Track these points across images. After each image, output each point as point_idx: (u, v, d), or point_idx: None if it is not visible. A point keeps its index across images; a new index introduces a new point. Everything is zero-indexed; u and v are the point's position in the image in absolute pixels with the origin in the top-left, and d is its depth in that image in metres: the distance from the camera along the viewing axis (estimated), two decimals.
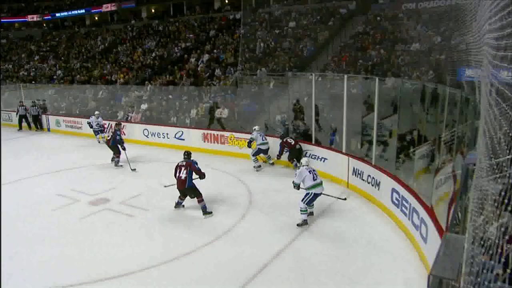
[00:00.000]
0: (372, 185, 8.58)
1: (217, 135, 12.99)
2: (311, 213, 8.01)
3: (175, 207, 8.53)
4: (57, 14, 44.08)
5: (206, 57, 22.68)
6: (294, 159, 10.99)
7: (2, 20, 46.89)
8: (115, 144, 11.76)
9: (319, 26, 22.15)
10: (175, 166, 8.30)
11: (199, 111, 15.26)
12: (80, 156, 13.71)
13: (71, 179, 11.16)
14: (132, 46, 29.92)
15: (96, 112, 15.70)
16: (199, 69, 21.63)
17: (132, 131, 15.31)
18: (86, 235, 7.51)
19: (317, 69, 18.40)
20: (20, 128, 19.22)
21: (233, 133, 12.68)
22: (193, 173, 8.16)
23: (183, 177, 8.05)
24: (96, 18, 42.20)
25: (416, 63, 15.90)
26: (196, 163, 8.30)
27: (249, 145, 11.80)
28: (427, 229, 5.81)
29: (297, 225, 7.58)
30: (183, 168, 8.12)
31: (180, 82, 20.39)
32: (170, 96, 17.73)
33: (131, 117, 16.79)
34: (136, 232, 7.65)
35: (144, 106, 17.01)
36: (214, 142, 13.02)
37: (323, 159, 10.51)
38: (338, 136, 10.79)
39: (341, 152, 9.98)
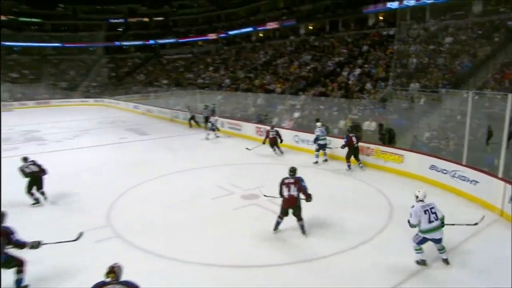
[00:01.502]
0: None
1: (363, 147, 12.34)
2: (424, 262, 6.11)
3: (274, 229, 7.31)
4: (230, 32, 47.65)
5: (357, 71, 22.01)
6: (349, 160, 11.59)
7: (191, 39, 52.65)
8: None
9: (480, 41, 19.67)
10: (280, 183, 7.26)
11: (347, 122, 14.75)
12: (238, 154, 14.34)
13: (229, 174, 11.74)
14: (290, 59, 30.66)
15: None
16: (350, 82, 21.09)
17: (284, 136, 15.50)
18: (237, 224, 7.85)
19: (474, 87, 16.33)
20: (191, 126, 21.23)
21: (379, 146, 11.91)
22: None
23: (295, 195, 7.06)
24: (261, 34, 44.40)
25: None
26: (303, 181, 7.35)
27: (315, 142, 12.59)
28: None
29: (415, 262, 6.10)
30: (292, 186, 7.09)
31: (331, 94, 20.12)
32: (321, 107, 17.58)
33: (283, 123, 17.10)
34: (280, 227, 7.60)
35: (296, 114, 17.14)
36: (360, 153, 12.41)
37: (473, 182, 9.15)
38: (496, 159, 9.30)
39: (496, 176, 8.54)
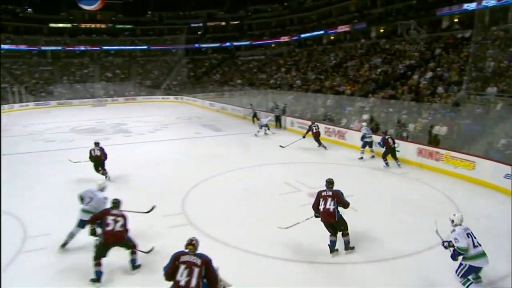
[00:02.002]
0: None
1: (433, 151, 11.84)
2: (478, 278, 5.35)
3: (331, 252, 6.45)
4: (302, 35, 47.45)
5: (429, 74, 20.96)
6: (386, 158, 12.03)
7: (264, 41, 53.32)
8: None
9: None
10: (317, 195, 6.68)
11: (417, 126, 14.21)
12: (305, 153, 14.42)
13: (297, 171, 11.87)
14: (360, 62, 29.95)
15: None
16: (421, 85, 20.17)
17: (351, 138, 15.32)
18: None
19: None
20: (253, 122, 21.83)
21: (449, 152, 11.35)
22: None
23: (331, 209, 6.33)
24: (332, 37, 43.72)
25: None
26: (343, 194, 6.61)
27: (362, 139, 13.16)
28: None
29: None
30: (329, 199, 6.43)
31: (401, 97, 19.42)
32: (390, 109, 17.07)
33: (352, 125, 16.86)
34: None
35: (365, 116, 16.81)
36: (428, 158, 11.94)
37: None
38: None
39: None
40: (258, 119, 21.38)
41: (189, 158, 14.07)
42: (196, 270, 4.32)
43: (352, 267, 6.16)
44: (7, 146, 16.78)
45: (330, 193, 6.51)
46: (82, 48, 54.51)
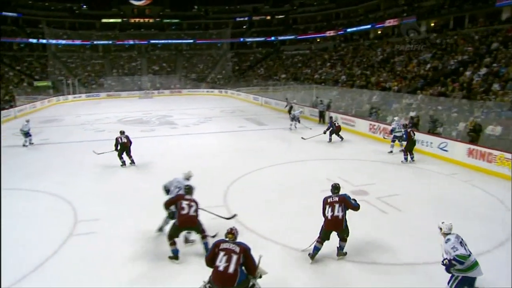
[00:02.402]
0: None
1: (485, 152, 11.21)
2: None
3: (312, 258, 6.11)
4: (348, 29, 46.53)
5: (483, 70, 19.87)
6: (408, 153, 12.12)
7: (309, 35, 52.85)
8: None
9: None
10: (323, 202, 6.26)
11: (468, 125, 13.53)
12: (351, 150, 14.16)
13: (340, 168, 11.71)
14: (408, 57, 28.92)
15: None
16: (474, 82, 19.17)
17: None
18: None
19: None
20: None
21: (504, 153, 10.69)
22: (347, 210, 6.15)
23: (340, 216, 5.99)
24: (379, 32, 42.51)
25: None
26: (350, 198, 6.28)
27: (391, 133, 13.49)
28: None
29: None
30: (337, 205, 6.06)
31: (452, 94, 18.56)
32: (439, 107, 16.37)
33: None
34: (384, 225, 7.49)
35: (412, 114, 16.24)
36: (479, 159, 11.32)
37: None
38: None
39: None
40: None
41: (232, 152, 14.22)
42: (234, 257, 4.52)
43: (392, 268, 6.00)
44: (61, 135, 17.80)
45: (337, 198, 6.17)
46: (131, 42, 56.53)
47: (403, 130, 12.59)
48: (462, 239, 4.80)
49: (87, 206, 8.63)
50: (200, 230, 6.25)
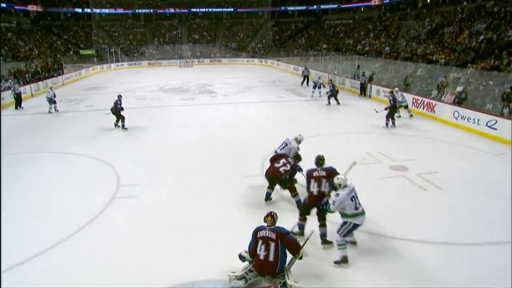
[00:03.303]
0: None
1: None
2: (354, 243, 5.71)
3: (301, 233, 5.91)
4: None
5: None
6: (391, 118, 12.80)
7: (353, 4, 50.82)
8: None
9: None
10: (307, 175, 5.95)
11: None
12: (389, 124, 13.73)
13: (380, 142, 11.48)
14: (459, 28, 27.22)
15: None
16: None
17: (442, 111, 14.25)
18: (381, 194, 7.69)
19: None
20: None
21: None
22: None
23: (327, 192, 5.72)
24: (428, 0, 40.15)
25: None
26: (336, 170, 5.88)
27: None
28: None
29: (334, 262, 5.24)
30: (324, 180, 5.74)
31: (506, 69, 17.41)
32: (491, 82, 15.45)
33: (444, 97, 15.62)
34: (423, 203, 7.33)
35: (459, 88, 15.45)
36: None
37: None
38: None
39: None
40: (308, 83, 22.36)
41: (271, 121, 14.22)
42: (272, 245, 4.53)
43: (428, 246, 5.89)
44: (105, 102, 18.33)
45: (324, 173, 5.77)
46: (172, 10, 56.63)
47: (391, 96, 12.98)
48: (354, 195, 5.30)
49: (129, 171, 9.01)
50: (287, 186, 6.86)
